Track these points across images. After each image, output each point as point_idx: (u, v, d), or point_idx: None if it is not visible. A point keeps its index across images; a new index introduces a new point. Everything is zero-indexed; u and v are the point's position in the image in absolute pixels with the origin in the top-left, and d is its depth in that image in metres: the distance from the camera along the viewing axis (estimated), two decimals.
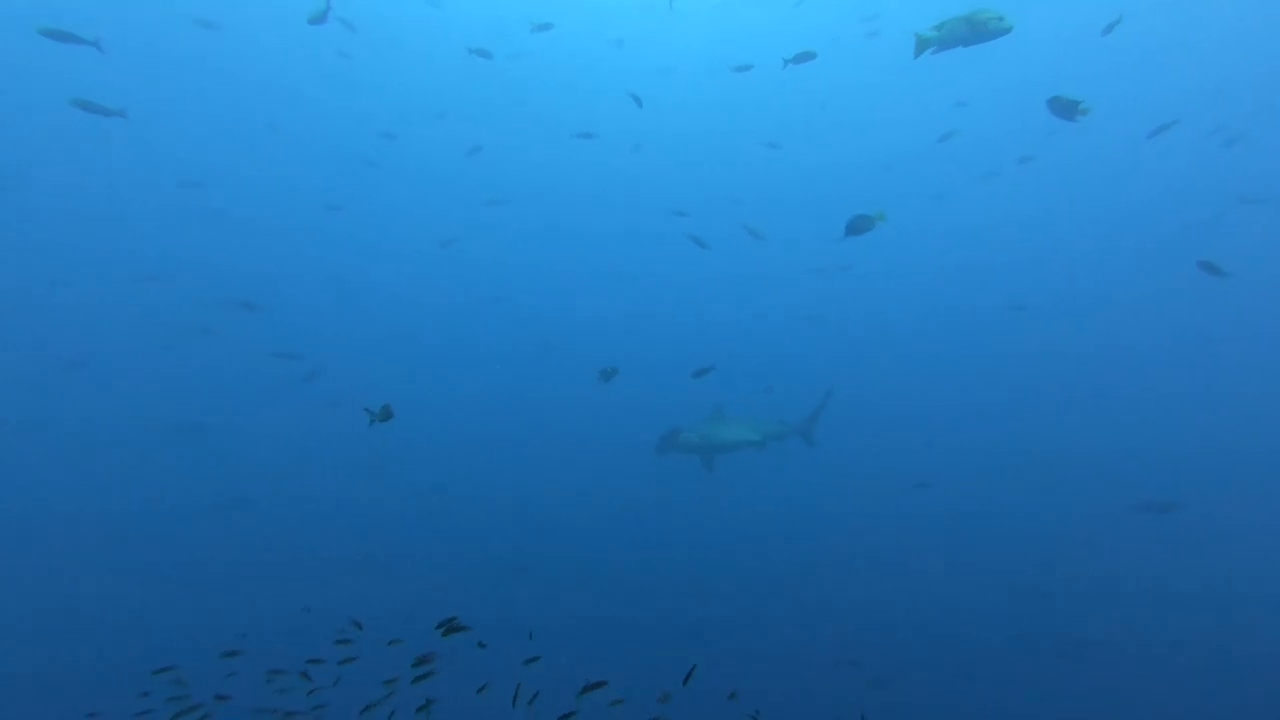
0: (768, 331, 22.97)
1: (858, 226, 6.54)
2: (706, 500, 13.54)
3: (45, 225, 19.74)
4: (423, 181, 25.31)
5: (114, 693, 5.62)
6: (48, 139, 19.73)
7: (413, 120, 24.85)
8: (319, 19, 10.09)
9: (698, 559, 12.40)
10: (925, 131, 26.05)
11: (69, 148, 20.11)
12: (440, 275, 22.85)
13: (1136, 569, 12.03)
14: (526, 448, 16.30)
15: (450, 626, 4.49)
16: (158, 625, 9.78)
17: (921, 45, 5.99)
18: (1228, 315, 20.62)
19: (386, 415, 4.78)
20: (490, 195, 23.03)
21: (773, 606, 11.22)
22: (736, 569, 12.22)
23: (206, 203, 21.25)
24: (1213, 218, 22.72)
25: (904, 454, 16.85)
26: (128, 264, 19.56)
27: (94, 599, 10.60)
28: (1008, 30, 5.76)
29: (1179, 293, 19.73)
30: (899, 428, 18.36)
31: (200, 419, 15.27)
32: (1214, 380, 19.63)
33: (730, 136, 26.37)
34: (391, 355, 19.29)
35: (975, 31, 5.80)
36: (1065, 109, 6.46)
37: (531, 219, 25.14)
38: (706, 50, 26.38)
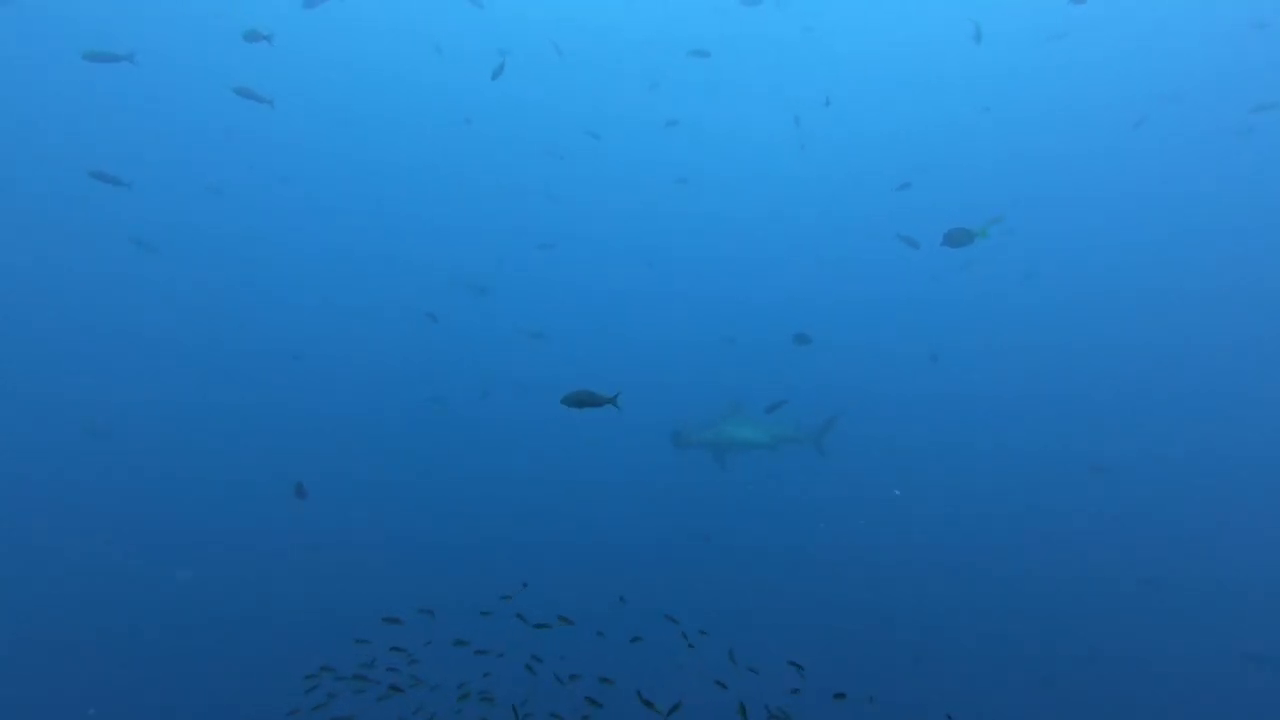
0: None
1: (956, 239, 6.19)
2: (875, 490, 13.43)
3: (263, 223, 22.04)
4: (621, 164, 25.60)
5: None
6: (259, 143, 22.24)
7: (620, 96, 25.14)
8: (498, 73, 11.68)
9: (867, 545, 12.28)
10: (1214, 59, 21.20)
11: (278, 148, 22.81)
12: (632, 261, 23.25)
13: None
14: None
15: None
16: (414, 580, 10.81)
17: None
18: None
19: (586, 402, 4.82)
20: (679, 174, 22.82)
21: (944, 598, 11.02)
22: (914, 556, 12.08)
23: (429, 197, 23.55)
24: None
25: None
26: (349, 257, 21.96)
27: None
28: None
29: None
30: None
31: (438, 394, 16.76)
32: None
33: (950, 104, 23.68)
34: (597, 342, 20.16)
35: None
36: None
37: (725, 200, 24.68)
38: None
